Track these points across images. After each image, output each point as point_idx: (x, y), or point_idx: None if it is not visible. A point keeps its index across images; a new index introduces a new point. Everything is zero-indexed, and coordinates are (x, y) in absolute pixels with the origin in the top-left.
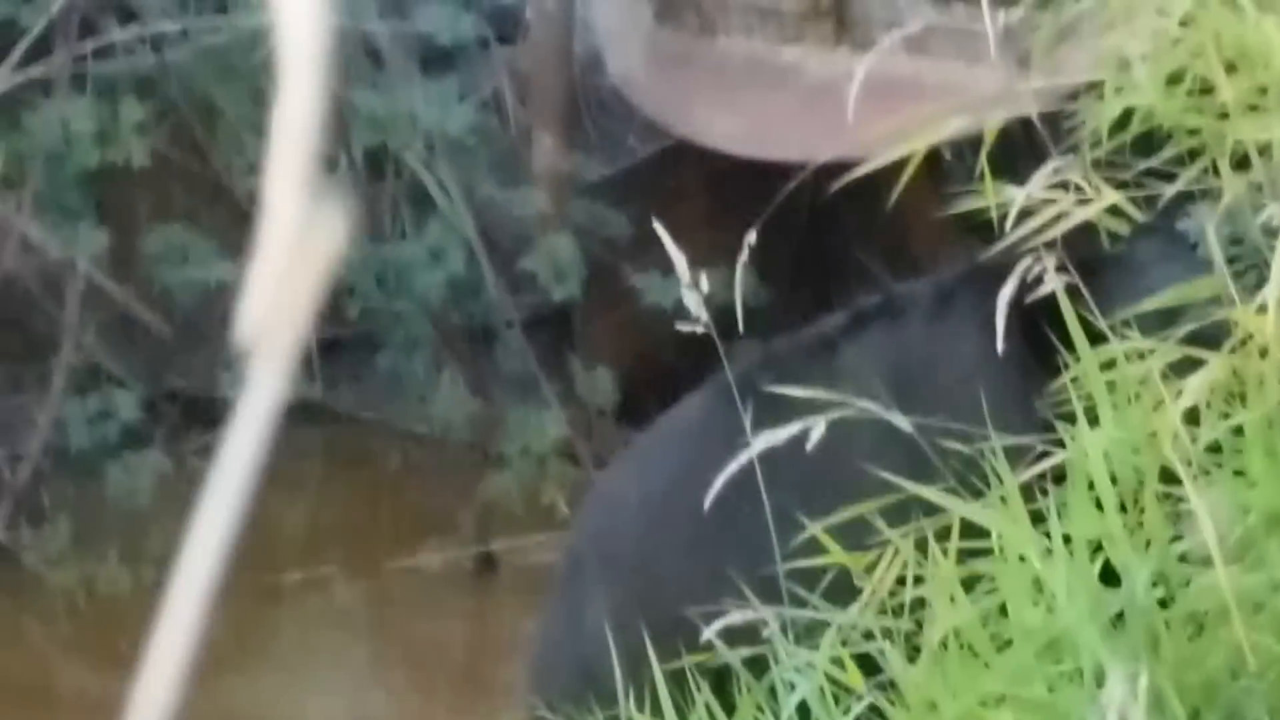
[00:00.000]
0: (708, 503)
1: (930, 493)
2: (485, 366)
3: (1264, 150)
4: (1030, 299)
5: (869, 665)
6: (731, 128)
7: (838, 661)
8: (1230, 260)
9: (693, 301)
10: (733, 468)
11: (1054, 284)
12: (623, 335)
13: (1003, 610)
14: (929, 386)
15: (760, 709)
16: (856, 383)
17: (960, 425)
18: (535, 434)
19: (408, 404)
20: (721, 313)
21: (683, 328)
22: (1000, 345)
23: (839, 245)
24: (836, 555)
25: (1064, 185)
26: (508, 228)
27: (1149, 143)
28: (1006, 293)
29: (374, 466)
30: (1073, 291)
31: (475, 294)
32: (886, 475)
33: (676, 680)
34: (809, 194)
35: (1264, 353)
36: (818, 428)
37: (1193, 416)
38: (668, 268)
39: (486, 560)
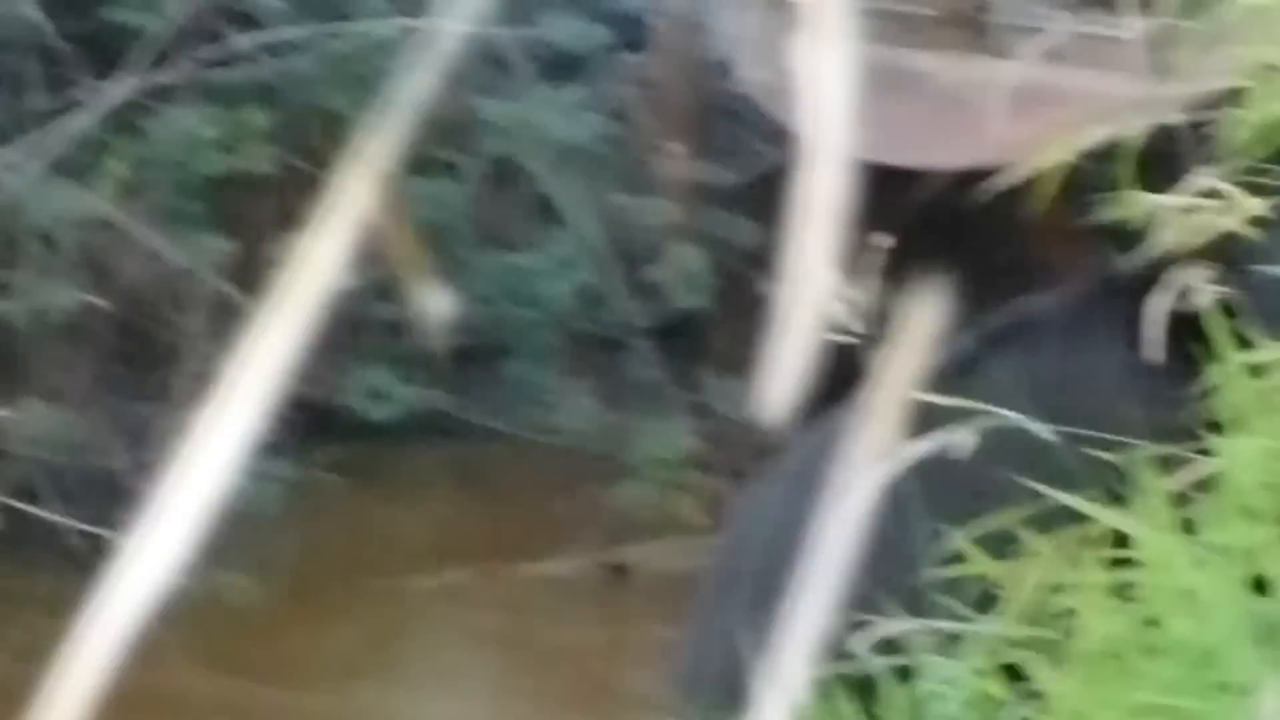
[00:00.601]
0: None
1: (1077, 501)
2: (615, 376)
3: None
4: (1174, 308)
5: (1016, 676)
6: (865, 134)
7: (982, 672)
8: None
9: (843, 313)
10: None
11: (1201, 293)
12: (753, 346)
13: (1151, 621)
14: (1071, 397)
15: None
16: (999, 394)
17: (1105, 435)
18: (665, 443)
19: (537, 413)
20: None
21: (833, 338)
22: (1146, 354)
23: (974, 255)
24: (979, 564)
25: (1206, 194)
26: (636, 237)
27: None
28: (1158, 302)
29: (504, 476)
30: (1219, 301)
31: (604, 303)
32: (1032, 485)
33: (822, 693)
34: (945, 202)
35: None
36: (964, 438)
37: None
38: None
39: (617, 569)
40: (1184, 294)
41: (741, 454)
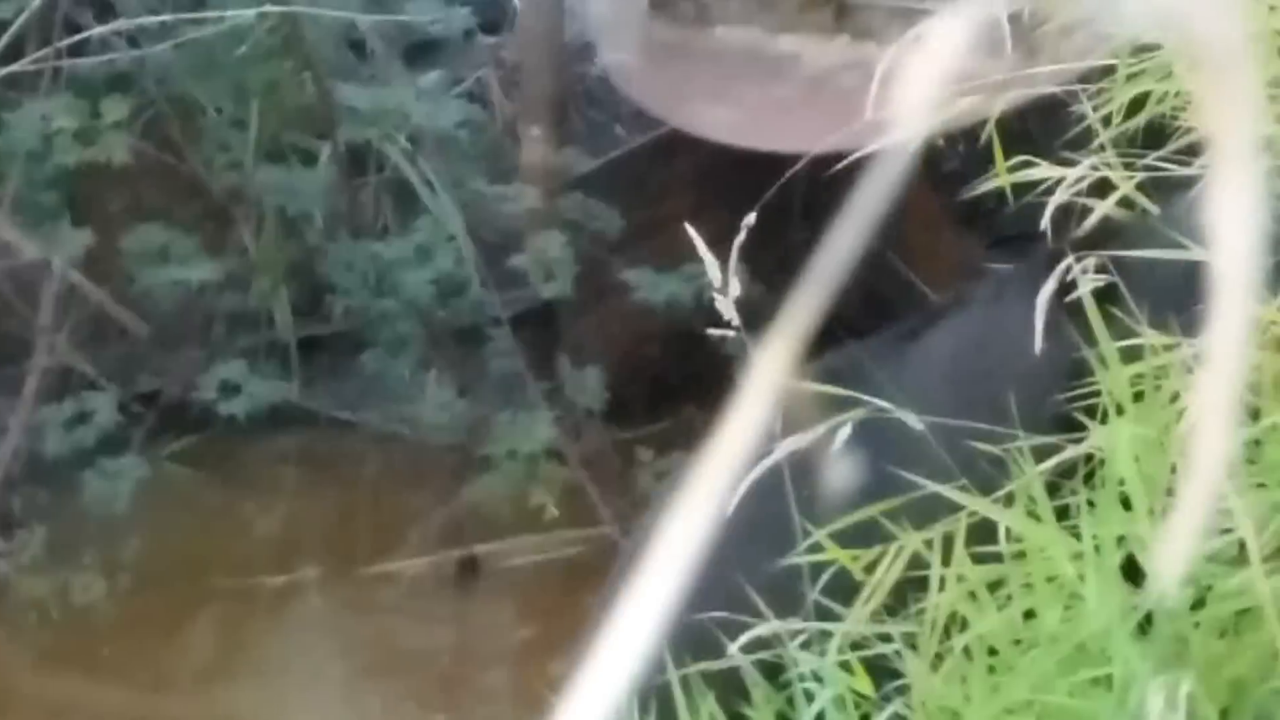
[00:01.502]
0: (730, 508)
1: (952, 492)
2: (474, 366)
3: None
4: (1058, 295)
5: (887, 672)
6: (727, 118)
7: (852, 668)
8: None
9: (725, 306)
10: (756, 471)
11: (1083, 279)
12: (612, 335)
13: (1025, 614)
14: (954, 386)
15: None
16: (878, 385)
17: (986, 425)
18: (523, 435)
19: (394, 405)
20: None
21: (715, 333)
22: (1037, 343)
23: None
24: (852, 557)
25: (1081, 176)
26: (495, 223)
27: (1161, 129)
28: (1040, 289)
29: (359, 470)
30: (1101, 287)
31: (464, 292)
32: (907, 476)
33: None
34: (805, 185)
35: None
36: (841, 430)
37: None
38: (658, 263)
39: (471, 564)
40: (1066, 281)
41: (597, 446)
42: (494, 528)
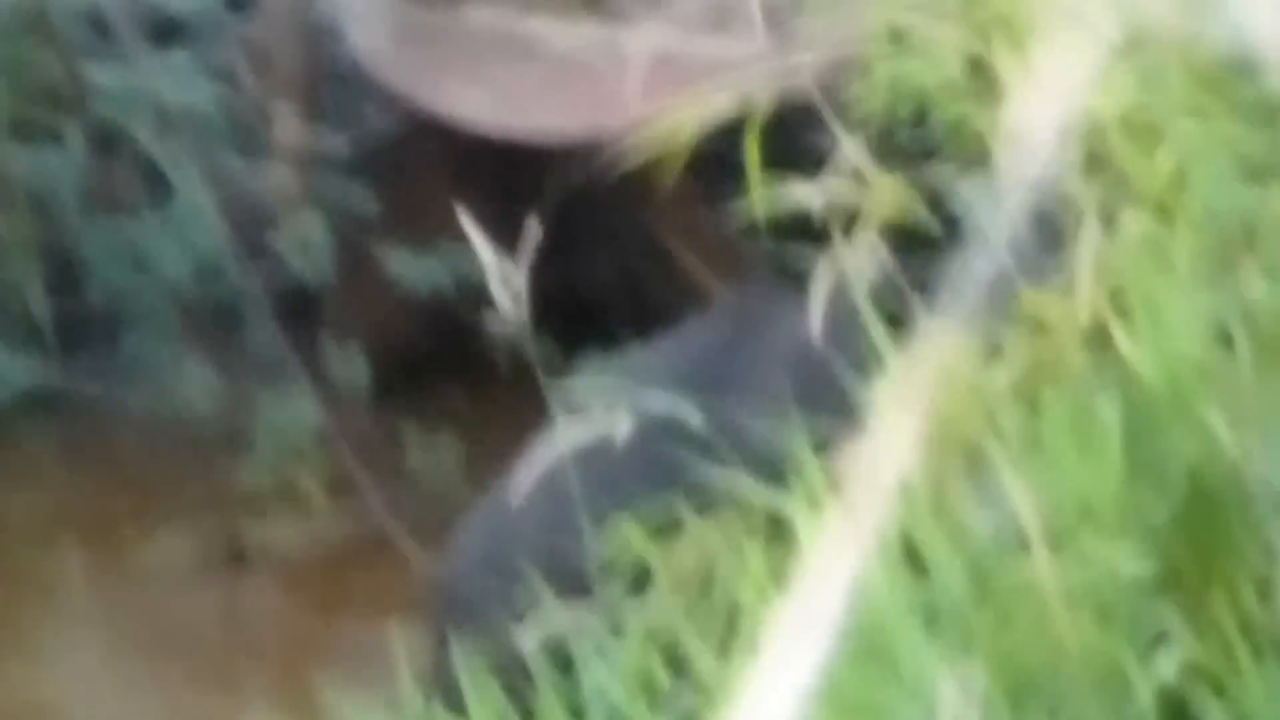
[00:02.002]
0: (516, 503)
1: (738, 485)
2: (234, 348)
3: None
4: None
5: (680, 664)
6: (477, 102)
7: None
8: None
9: (505, 297)
10: (538, 467)
11: (858, 272)
12: (373, 315)
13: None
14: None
15: (571, 712)
16: (661, 377)
17: (774, 418)
18: (286, 417)
19: (154, 388)
20: (476, 291)
21: (494, 327)
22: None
23: (593, 226)
24: (642, 549)
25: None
26: (253, 205)
27: (922, 118)
28: (817, 283)
29: (120, 454)
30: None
31: (221, 273)
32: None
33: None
34: (564, 172)
35: (1060, 336)
36: (623, 423)
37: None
38: (417, 245)
39: (237, 547)
40: (841, 274)
41: (362, 428)
42: (260, 510)
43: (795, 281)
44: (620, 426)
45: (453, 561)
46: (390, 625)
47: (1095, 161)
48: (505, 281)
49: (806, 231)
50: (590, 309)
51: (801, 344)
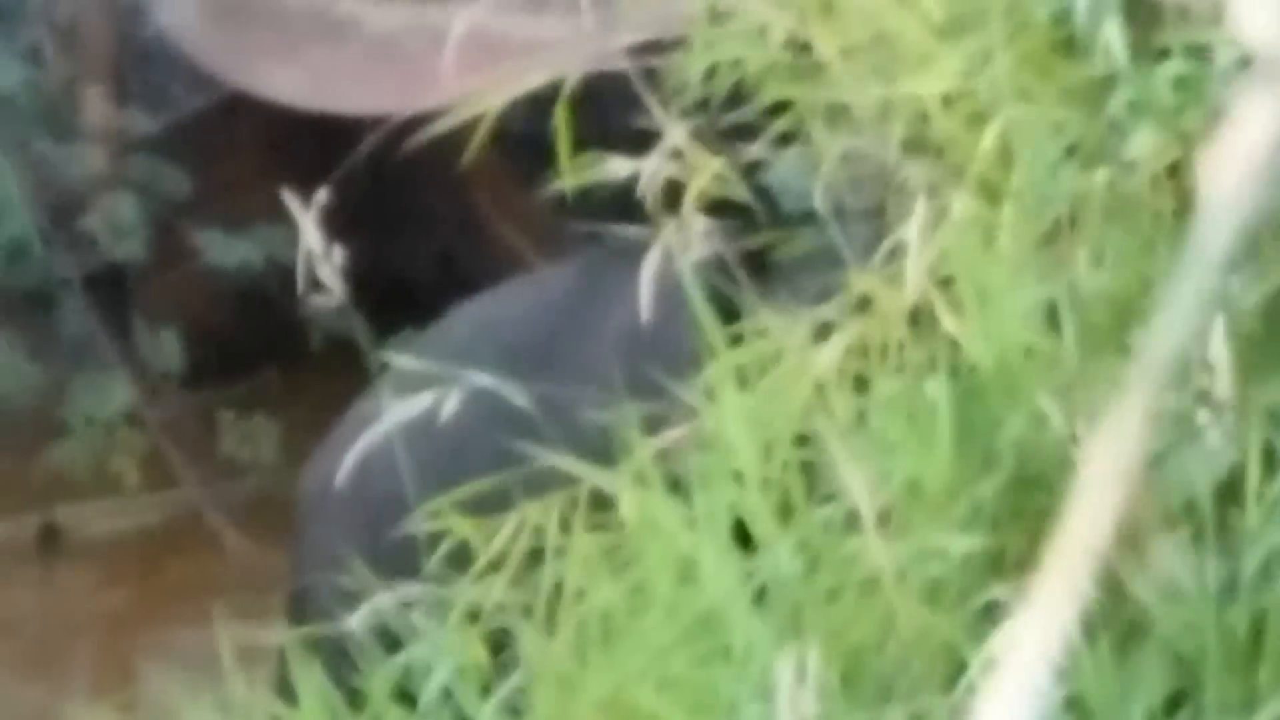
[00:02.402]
0: (340, 480)
1: (566, 463)
2: (46, 331)
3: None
4: (667, 267)
5: (506, 644)
6: (291, 81)
7: (471, 640)
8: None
9: (327, 274)
10: (362, 444)
11: (689, 251)
12: (186, 297)
13: (642, 586)
14: (564, 357)
15: (399, 693)
16: (487, 356)
17: (603, 397)
18: (100, 400)
19: None
20: (292, 272)
21: (318, 303)
22: (643, 318)
23: (407, 203)
24: (467, 528)
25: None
26: (64, 186)
27: (742, 98)
28: (648, 262)
29: None
30: (709, 259)
31: (32, 256)
32: (520, 447)
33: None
34: (378, 149)
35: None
36: (449, 400)
37: (840, 384)
38: (229, 226)
39: (51, 531)
40: (672, 253)
41: (176, 410)
42: (74, 494)
43: (613, 258)
44: (447, 405)
45: (293, 550)
46: (209, 609)
47: (920, 143)
48: (325, 259)
49: (625, 209)
50: (407, 287)
51: (628, 322)
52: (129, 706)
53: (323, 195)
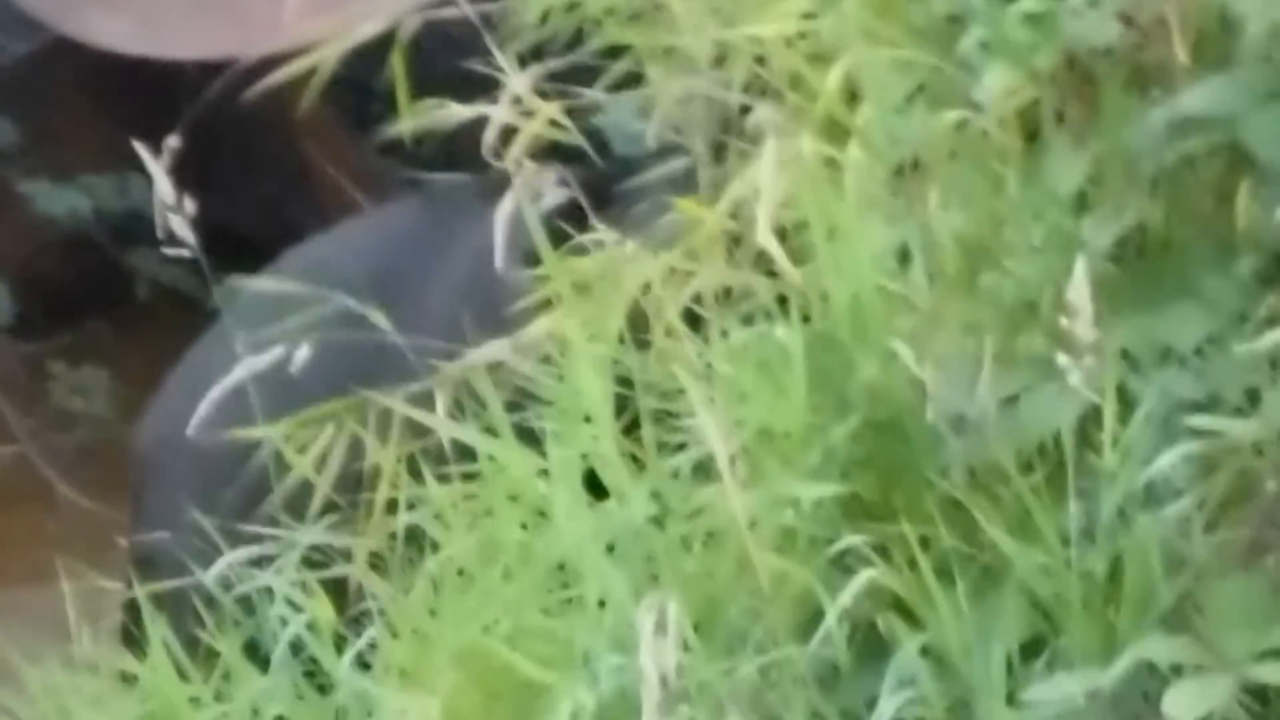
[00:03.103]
0: (193, 427)
1: (417, 412)
2: None
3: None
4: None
5: (358, 596)
6: (119, 26)
7: (318, 592)
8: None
9: (178, 224)
10: (216, 393)
11: (540, 196)
12: (14, 248)
13: (497, 535)
14: (410, 300)
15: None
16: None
17: (453, 343)
18: None
19: None
20: (123, 220)
21: (170, 253)
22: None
23: (235, 153)
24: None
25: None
26: None
27: (577, 40)
28: (499, 206)
29: None
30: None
31: None
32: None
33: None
34: (206, 97)
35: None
36: (301, 350)
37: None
38: (57, 174)
39: None
40: (522, 196)
41: (7, 361)
42: None
43: (444, 201)
44: (299, 354)
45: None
46: (41, 562)
47: (762, 85)
48: (178, 209)
49: (453, 156)
50: (234, 235)
51: (466, 266)
52: None
53: (172, 142)
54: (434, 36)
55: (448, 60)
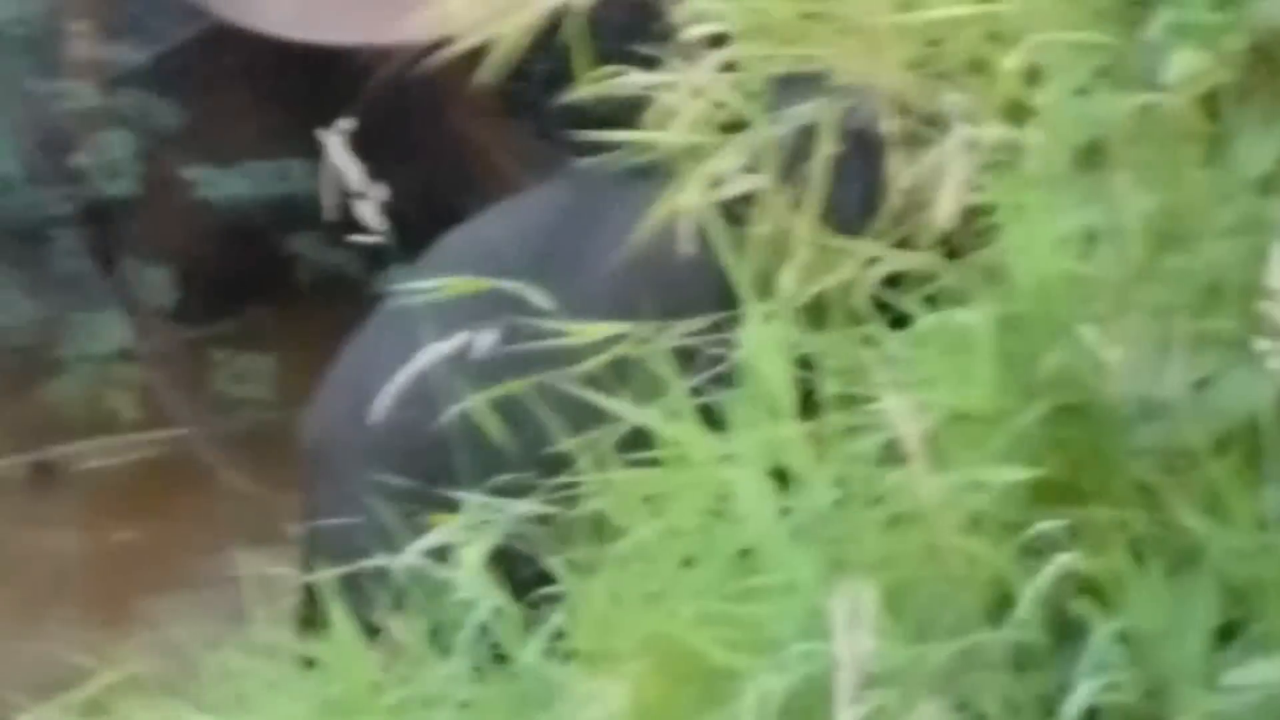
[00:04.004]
0: (382, 414)
1: (603, 401)
2: (41, 268)
3: None
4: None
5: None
6: (282, 12)
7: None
8: None
9: (366, 210)
10: (401, 380)
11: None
12: (179, 233)
13: (683, 523)
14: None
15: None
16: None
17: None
18: (95, 337)
19: None
20: (283, 205)
21: (357, 240)
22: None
23: (399, 137)
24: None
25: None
26: (52, 124)
27: None
28: (685, 192)
29: None
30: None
31: (20, 191)
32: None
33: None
34: (372, 79)
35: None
36: (485, 337)
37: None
38: (218, 159)
39: (46, 468)
40: (706, 183)
41: (169, 345)
42: (69, 431)
43: (607, 181)
44: (482, 340)
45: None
46: (208, 546)
47: (942, 67)
48: (362, 192)
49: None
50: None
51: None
52: (143, 646)
53: (346, 125)
54: (602, 17)
55: (618, 40)
